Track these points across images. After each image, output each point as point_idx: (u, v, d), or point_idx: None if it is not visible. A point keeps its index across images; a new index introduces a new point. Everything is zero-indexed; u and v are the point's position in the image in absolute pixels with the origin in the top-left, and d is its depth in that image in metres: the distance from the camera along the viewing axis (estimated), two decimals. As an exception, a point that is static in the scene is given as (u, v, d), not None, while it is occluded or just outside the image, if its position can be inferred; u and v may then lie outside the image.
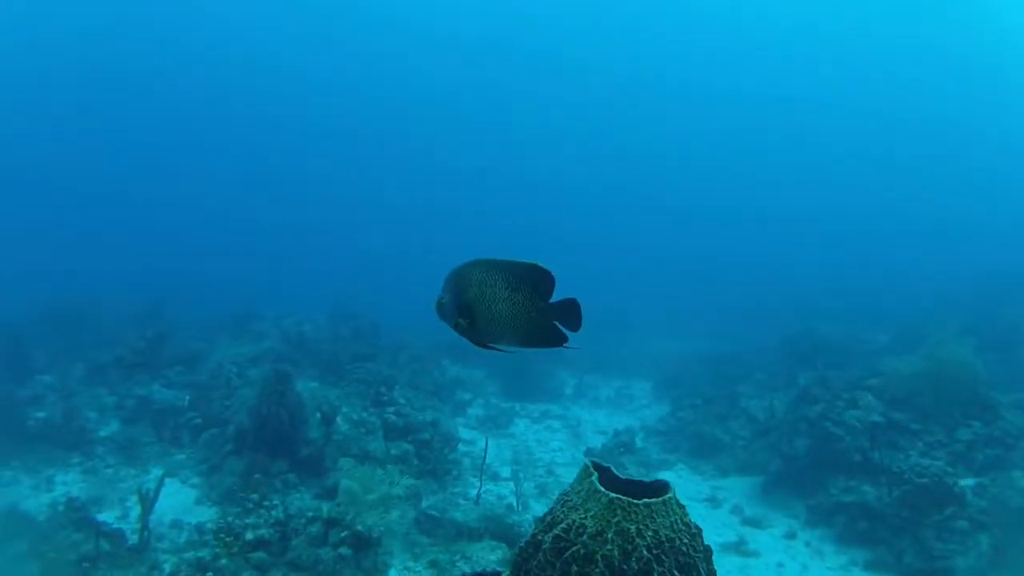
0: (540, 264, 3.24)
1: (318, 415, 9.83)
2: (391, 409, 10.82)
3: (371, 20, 60.67)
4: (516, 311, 3.25)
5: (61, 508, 8.80)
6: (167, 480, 9.70)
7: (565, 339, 3.28)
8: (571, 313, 3.29)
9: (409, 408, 11.03)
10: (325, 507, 7.74)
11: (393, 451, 10.17)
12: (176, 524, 8.87)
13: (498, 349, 3.33)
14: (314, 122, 59.94)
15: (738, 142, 59.59)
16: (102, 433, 11.32)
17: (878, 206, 48.54)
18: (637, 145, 60.81)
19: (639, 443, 12.63)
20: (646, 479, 3.09)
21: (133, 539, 8.05)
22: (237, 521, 6.92)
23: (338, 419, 10.05)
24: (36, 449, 10.74)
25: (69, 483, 10.12)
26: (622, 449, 12.04)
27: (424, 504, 9.15)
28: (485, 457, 10.49)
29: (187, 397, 11.69)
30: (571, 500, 2.98)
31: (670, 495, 2.87)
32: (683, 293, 28.02)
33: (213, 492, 9.58)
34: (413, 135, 60.65)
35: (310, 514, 7.06)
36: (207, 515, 9.11)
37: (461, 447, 11.61)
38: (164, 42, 56.38)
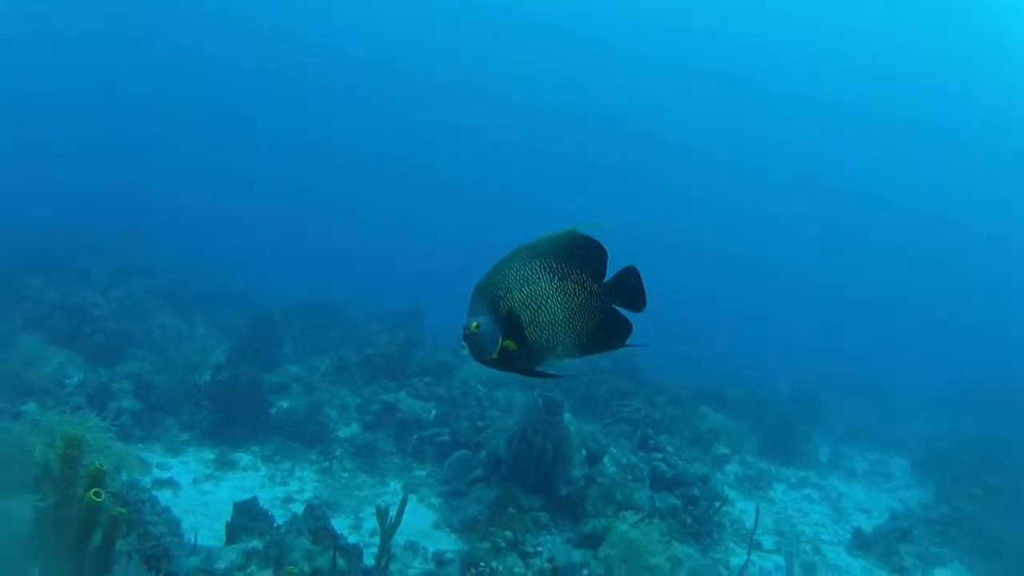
0: (581, 231, 2.47)
1: (584, 452, 8.60)
2: (659, 456, 9.45)
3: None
4: (569, 305, 2.48)
5: (300, 512, 8.12)
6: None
7: (628, 328, 2.55)
8: (632, 288, 2.54)
9: (677, 458, 9.64)
10: (596, 566, 6.46)
11: (659, 504, 8.80)
12: (411, 547, 7.92)
13: (551, 375, 2.61)
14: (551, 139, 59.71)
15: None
16: (341, 434, 10.62)
17: None
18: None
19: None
20: None
21: (368, 558, 7.11)
22: (499, 566, 5.73)
23: (605, 460, 8.78)
24: (274, 438, 10.23)
25: (304, 480, 9.46)
26: (898, 535, 10.28)
27: (684, 569, 7.77)
28: (756, 526, 9.05)
29: (433, 411, 10.82)
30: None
31: None
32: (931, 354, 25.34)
33: (454, 518, 8.55)
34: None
35: (586, 573, 5.76)
36: (446, 543, 8.08)
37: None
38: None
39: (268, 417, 10.50)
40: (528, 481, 8.28)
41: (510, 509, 7.34)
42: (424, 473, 9.77)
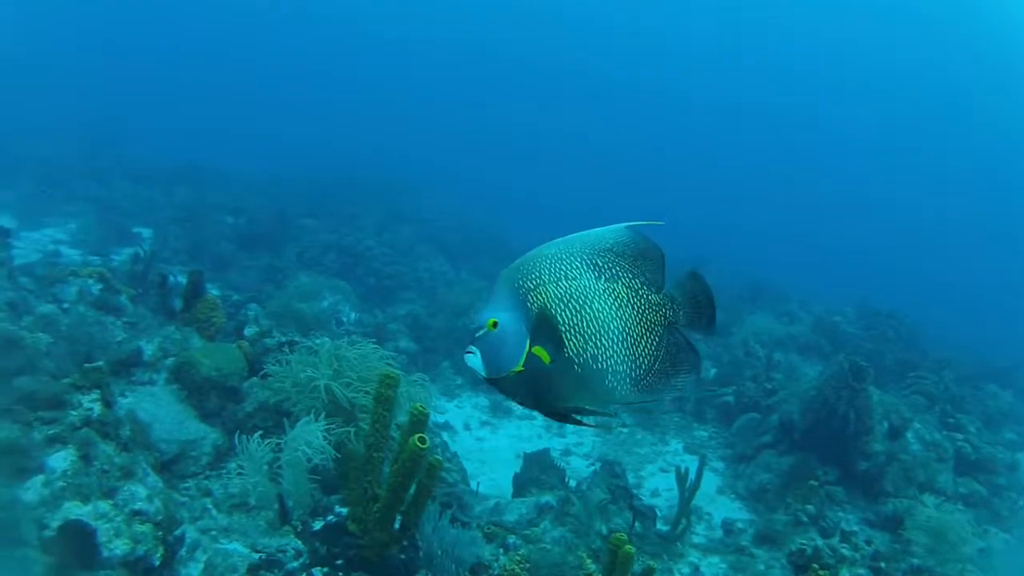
0: (634, 228, 1.91)
1: (885, 425, 7.91)
2: (961, 436, 8.59)
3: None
4: (624, 315, 1.86)
5: (575, 466, 8.03)
6: (687, 457, 8.50)
7: (697, 359, 1.94)
8: (700, 302, 1.92)
9: (980, 440, 8.74)
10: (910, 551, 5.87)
11: (961, 489, 8.01)
12: (694, 511, 7.56)
13: (597, 412, 1.93)
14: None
15: None
16: (623, 388, 10.41)
17: None
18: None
19: None
20: None
21: (659, 522, 6.85)
22: (823, 547, 5.29)
23: (908, 435, 8.05)
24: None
25: (582, 433, 9.31)
26: None
27: (998, 564, 6.99)
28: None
29: (713, 370, 10.39)
30: None
31: None
32: None
33: (739, 484, 8.13)
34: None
35: (916, 563, 5.21)
36: (732, 511, 7.68)
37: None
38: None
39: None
40: (824, 451, 7.72)
41: (811, 481, 6.85)
42: (705, 434, 9.39)
